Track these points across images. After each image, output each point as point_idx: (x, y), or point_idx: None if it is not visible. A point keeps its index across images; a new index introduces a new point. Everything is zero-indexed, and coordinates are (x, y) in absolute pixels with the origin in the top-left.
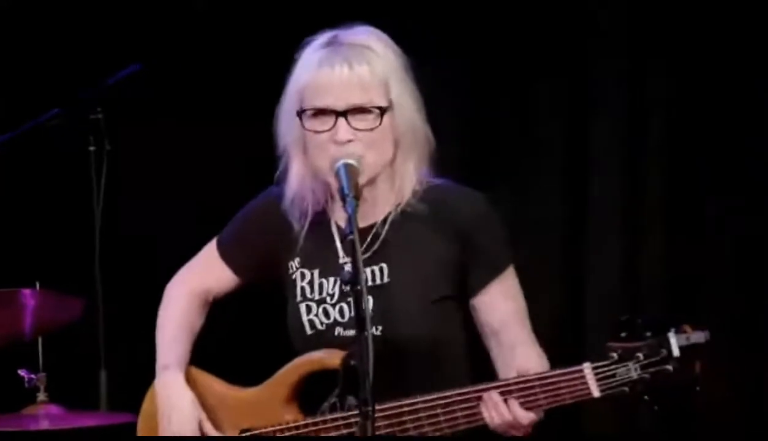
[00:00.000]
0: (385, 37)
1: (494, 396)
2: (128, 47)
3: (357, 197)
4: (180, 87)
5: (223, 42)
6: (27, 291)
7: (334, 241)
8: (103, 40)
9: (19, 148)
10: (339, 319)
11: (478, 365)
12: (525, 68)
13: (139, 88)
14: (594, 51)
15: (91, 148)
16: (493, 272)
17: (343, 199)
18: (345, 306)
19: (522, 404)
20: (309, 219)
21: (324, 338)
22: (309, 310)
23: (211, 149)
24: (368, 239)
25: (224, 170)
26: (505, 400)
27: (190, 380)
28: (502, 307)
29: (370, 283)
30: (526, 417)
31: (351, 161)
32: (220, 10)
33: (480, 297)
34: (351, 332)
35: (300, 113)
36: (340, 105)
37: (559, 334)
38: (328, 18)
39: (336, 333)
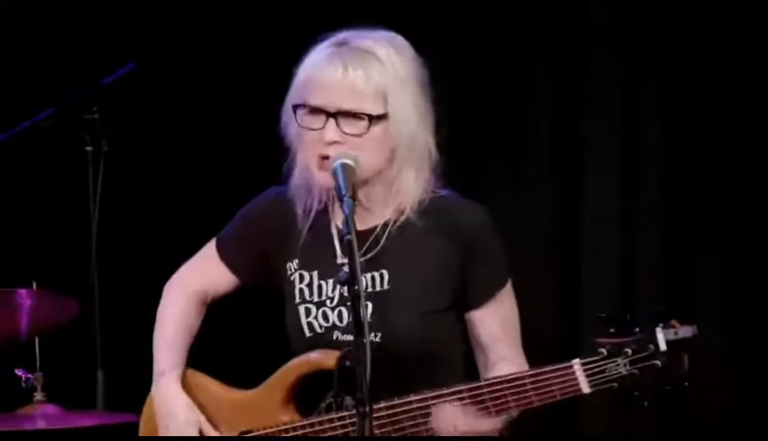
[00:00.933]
0: (400, 45)
1: (447, 408)
2: (129, 47)
3: (354, 197)
4: (179, 87)
5: (223, 42)
6: (24, 291)
7: (333, 243)
8: (103, 41)
9: (15, 148)
10: (338, 323)
11: (475, 372)
12: (521, 67)
13: (134, 88)
14: (591, 49)
15: (88, 148)
16: (491, 290)
17: (340, 199)
18: (344, 310)
19: (514, 402)
20: (312, 215)
21: (322, 341)
22: (308, 312)
23: (210, 149)
24: (367, 243)
25: (223, 170)
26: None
27: (187, 383)
28: (495, 324)
29: (369, 288)
30: (486, 424)
31: (348, 161)
32: (220, 10)
33: (476, 311)
34: (349, 337)
35: (295, 108)
36: (331, 106)
37: (557, 333)
38: (327, 18)
39: (334, 337)
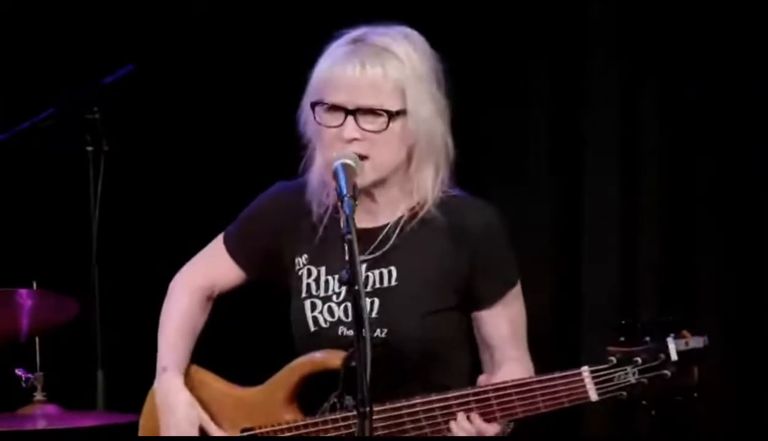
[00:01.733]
0: (417, 40)
1: (459, 417)
2: (129, 47)
3: (355, 197)
4: (180, 87)
5: (224, 42)
6: (24, 291)
7: (342, 240)
8: (103, 41)
9: (15, 148)
10: (343, 318)
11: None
12: (521, 67)
13: (134, 88)
14: (591, 49)
15: (89, 148)
16: (500, 291)
17: (341, 199)
18: (350, 305)
19: (521, 407)
20: (330, 211)
21: (327, 336)
22: (314, 307)
23: (210, 149)
24: (378, 240)
25: (224, 170)
26: (468, 416)
27: (190, 380)
28: (502, 325)
29: (377, 285)
30: (490, 429)
31: (348, 161)
32: (220, 10)
33: (483, 312)
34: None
35: (314, 106)
36: (350, 104)
37: (557, 333)
38: (327, 18)
39: (339, 332)
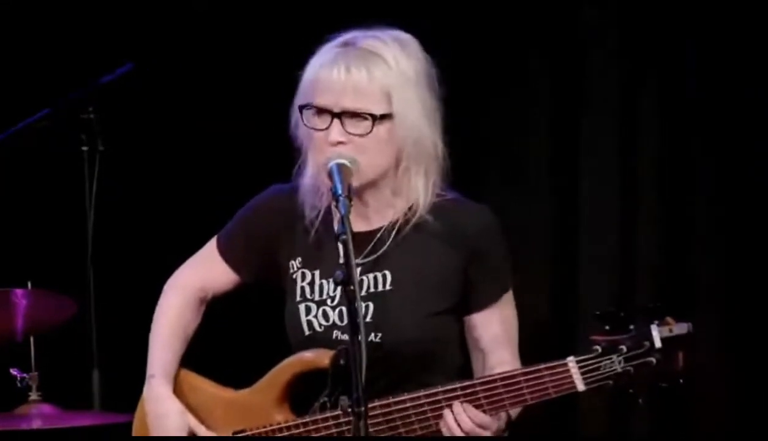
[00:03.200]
0: (408, 44)
1: (456, 407)
2: (127, 47)
3: (350, 198)
4: (176, 87)
5: (223, 42)
6: (19, 291)
7: (336, 243)
8: (101, 40)
9: (11, 148)
10: (338, 322)
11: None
12: (521, 67)
13: (131, 88)
14: (591, 49)
15: (84, 148)
16: (495, 295)
17: (336, 199)
18: (345, 309)
19: (509, 400)
20: (322, 215)
21: (322, 340)
22: (308, 310)
23: (207, 149)
24: (372, 243)
25: (220, 170)
26: (465, 408)
27: (180, 384)
28: (494, 328)
29: (371, 289)
30: (485, 419)
31: (344, 161)
32: (221, 10)
33: (477, 315)
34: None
35: (302, 108)
36: (335, 107)
37: (556, 333)
38: (326, 18)
39: (334, 336)
